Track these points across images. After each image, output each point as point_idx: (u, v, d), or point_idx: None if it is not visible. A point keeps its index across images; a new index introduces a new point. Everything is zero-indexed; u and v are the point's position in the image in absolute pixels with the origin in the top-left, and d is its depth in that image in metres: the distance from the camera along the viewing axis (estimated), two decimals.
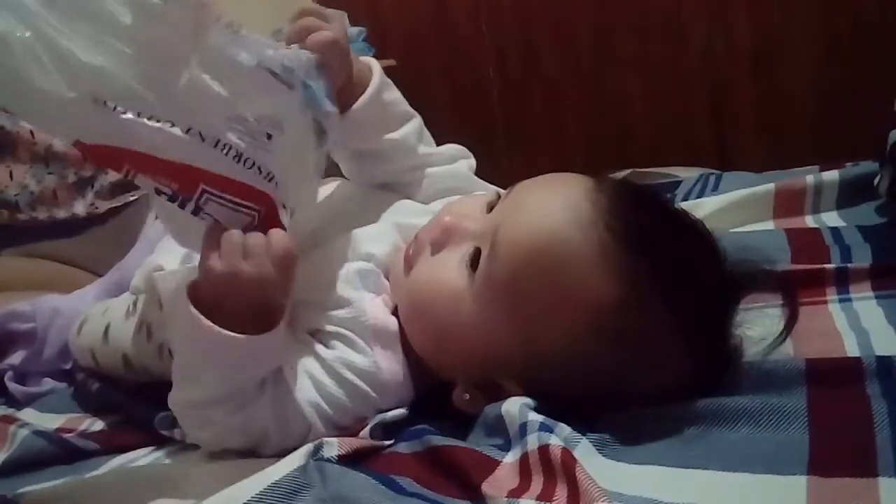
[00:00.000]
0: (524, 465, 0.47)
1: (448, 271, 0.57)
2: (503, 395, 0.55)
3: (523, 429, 0.49)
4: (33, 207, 1.10)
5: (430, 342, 0.58)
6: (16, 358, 0.83)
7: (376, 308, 0.60)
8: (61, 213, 1.11)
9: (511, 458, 0.49)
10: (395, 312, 0.61)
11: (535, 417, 0.50)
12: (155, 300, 0.72)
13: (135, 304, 0.76)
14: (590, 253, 0.52)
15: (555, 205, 0.55)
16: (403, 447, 0.53)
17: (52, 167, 1.09)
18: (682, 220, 0.57)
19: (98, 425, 0.72)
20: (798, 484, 0.42)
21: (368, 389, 0.57)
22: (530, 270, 0.53)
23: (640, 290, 0.51)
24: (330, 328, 0.59)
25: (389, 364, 0.58)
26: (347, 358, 0.57)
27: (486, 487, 0.45)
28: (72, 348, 0.81)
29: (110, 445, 0.66)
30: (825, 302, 0.66)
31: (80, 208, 1.11)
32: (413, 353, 0.59)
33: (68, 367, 0.83)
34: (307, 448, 0.52)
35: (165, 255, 0.75)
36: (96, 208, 1.12)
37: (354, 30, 2.50)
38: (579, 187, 0.55)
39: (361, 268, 0.61)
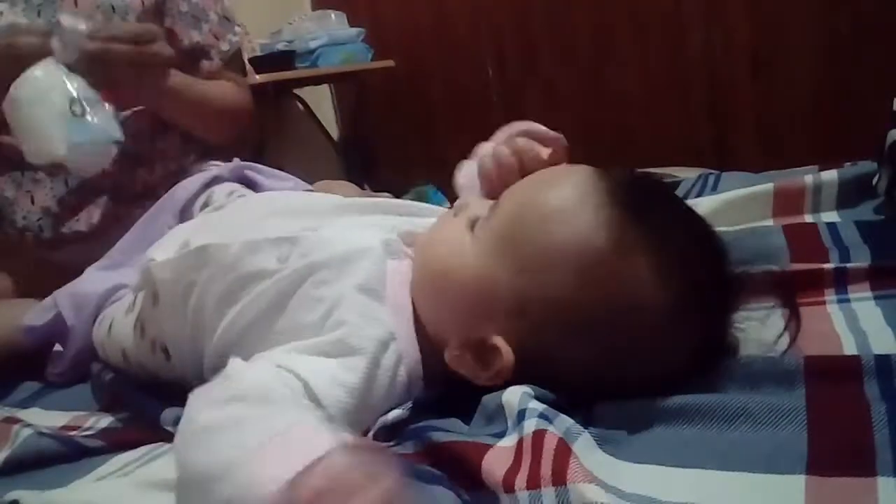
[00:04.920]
0: (518, 450, 0.47)
1: (456, 226, 0.62)
2: (491, 358, 0.56)
3: (521, 415, 0.49)
4: (56, 227, 1.11)
5: (429, 291, 0.61)
6: (62, 360, 0.84)
7: (395, 271, 0.62)
8: (82, 227, 1.12)
9: (506, 442, 0.49)
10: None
11: (536, 406, 0.50)
12: (150, 294, 0.73)
13: (135, 300, 0.77)
14: (584, 207, 0.54)
15: (559, 175, 0.61)
16: (406, 447, 0.54)
17: (70, 181, 1.11)
18: (683, 206, 0.60)
19: (104, 422, 0.72)
20: (796, 484, 0.42)
21: (385, 363, 0.57)
22: (525, 216, 0.57)
23: (628, 242, 0.53)
24: (345, 297, 0.59)
25: (401, 330, 0.59)
26: (359, 332, 0.57)
27: (485, 477, 0.46)
28: (93, 340, 0.82)
29: (115, 443, 0.66)
30: (823, 303, 0.66)
31: (96, 216, 1.12)
32: (421, 336, 0.60)
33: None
34: None
35: (160, 248, 0.75)
36: (116, 216, 1.13)
37: (354, 30, 2.51)
38: (587, 169, 0.59)
39: (385, 237, 0.64)
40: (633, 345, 0.53)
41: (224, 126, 1.25)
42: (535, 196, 0.58)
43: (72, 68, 0.92)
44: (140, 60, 0.95)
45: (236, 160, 1.01)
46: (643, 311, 0.53)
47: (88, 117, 0.91)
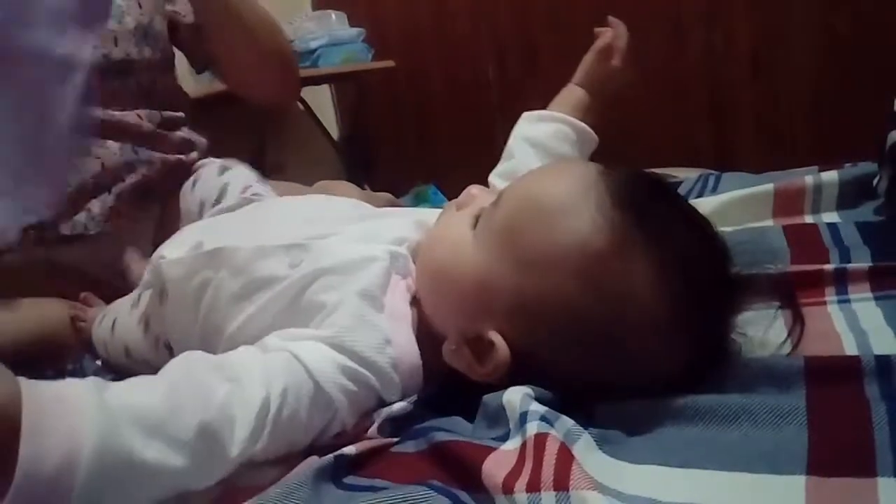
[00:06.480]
0: (521, 454, 0.47)
1: (458, 222, 0.62)
2: (487, 354, 0.56)
3: (524, 418, 0.49)
4: (58, 224, 1.10)
5: (430, 289, 0.61)
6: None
7: (397, 286, 0.62)
8: (83, 222, 1.11)
9: (509, 446, 0.49)
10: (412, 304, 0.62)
11: (537, 408, 0.50)
12: (157, 291, 0.73)
13: (139, 297, 0.77)
14: (584, 205, 0.54)
15: (560, 170, 0.61)
16: (409, 446, 0.54)
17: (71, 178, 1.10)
18: (687, 208, 0.59)
19: None
20: (797, 484, 0.42)
21: (383, 365, 0.58)
22: (525, 213, 0.57)
23: (628, 245, 0.52)
24: (345, 305, 0.59)
25: (399, 337, 0.59)
26: (352, 335, 0.58)
27: (485, 480, 0.46)
28: (93, 340, 0.82)
29: None
30: (824, 303, 0.66)
31: (96, 209, 1.12)
32: (424, 340, 0.60)
33: None
34: (322, 462, 0.52)
35: (171, 245, 0.75)
36: (118, 213, 1.13)
37: (354, 30, 2.51)
38: (589, 165, 0.59)
39: (393, 250, 0.63)
40: (629, 351, 0.53)
41: (271, 70, 1.22)
42: (536, 194, 0.58)
43: None
44: None
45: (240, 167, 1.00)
46: (641, 318, 0.52)
47: None
